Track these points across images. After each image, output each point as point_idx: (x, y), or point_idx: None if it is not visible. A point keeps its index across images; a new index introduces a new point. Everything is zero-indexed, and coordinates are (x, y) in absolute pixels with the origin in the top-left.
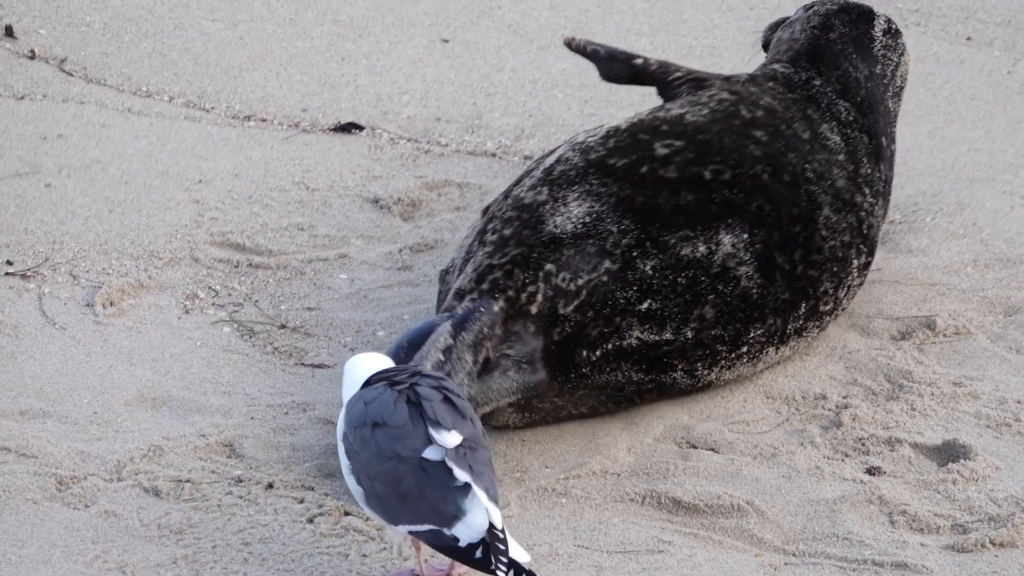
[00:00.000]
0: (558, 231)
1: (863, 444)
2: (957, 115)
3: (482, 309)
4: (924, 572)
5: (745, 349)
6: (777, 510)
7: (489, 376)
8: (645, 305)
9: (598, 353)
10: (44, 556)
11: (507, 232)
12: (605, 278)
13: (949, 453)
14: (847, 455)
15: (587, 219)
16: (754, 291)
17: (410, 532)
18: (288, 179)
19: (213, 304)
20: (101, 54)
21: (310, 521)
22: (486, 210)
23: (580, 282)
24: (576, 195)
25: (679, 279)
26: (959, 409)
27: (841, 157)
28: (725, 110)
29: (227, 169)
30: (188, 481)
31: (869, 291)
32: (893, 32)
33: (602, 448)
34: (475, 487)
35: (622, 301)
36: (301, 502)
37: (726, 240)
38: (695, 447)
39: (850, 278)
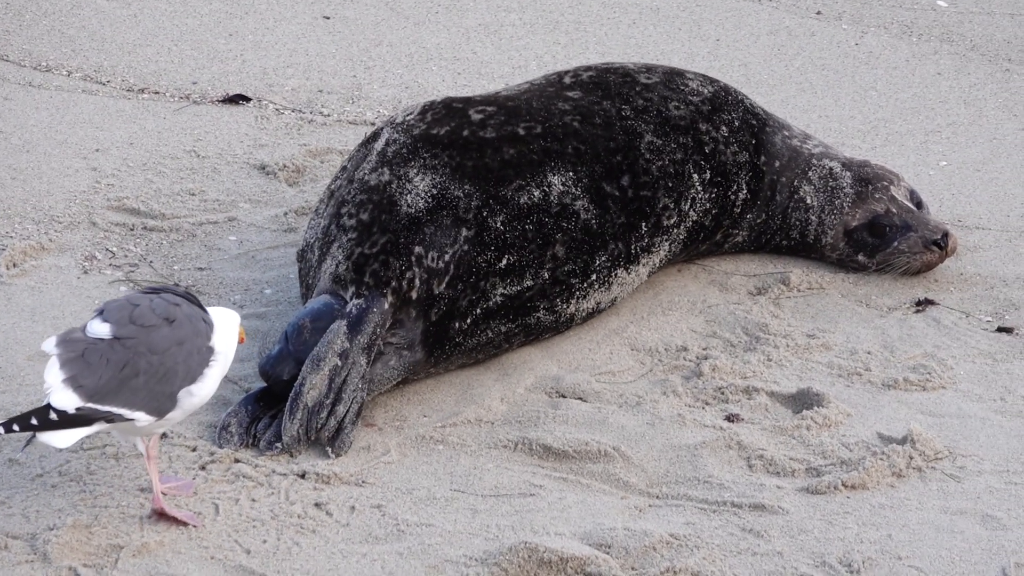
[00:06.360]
0: (413, 211)
1: (722, 393)
2: (808, 85)
3: (374, 309)
4: (780, 513)
5: (595, 277)
6: (642, 455)
7: (371, 368)
8: (504, 262)
9: (469, 321)
10: None
11: (364, 217)
12: (466, 247)
13: (803, 401)
14: (707, 403)
15: (434, 191)
16: (593, 221)
17: None
18: (180, 148)
19: (110, 265)
20: (3, 31)
21: (202, 468)
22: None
23: (447, 257)
24: (416, 170)
25: (527, 227)
26: (812, 359)
27: (695, 99)
28: (547, 82)
29: (122, 138)
30: None
31: None
32: None
33: (476, 398)
34: (52, 361)
35: (484, 264)
36: (194, 450)
37: (555, 181)
38: (564, 396)
39: (692, 191)
